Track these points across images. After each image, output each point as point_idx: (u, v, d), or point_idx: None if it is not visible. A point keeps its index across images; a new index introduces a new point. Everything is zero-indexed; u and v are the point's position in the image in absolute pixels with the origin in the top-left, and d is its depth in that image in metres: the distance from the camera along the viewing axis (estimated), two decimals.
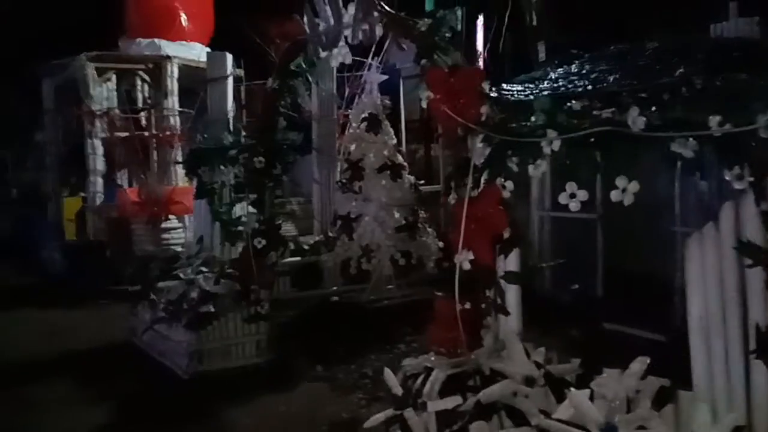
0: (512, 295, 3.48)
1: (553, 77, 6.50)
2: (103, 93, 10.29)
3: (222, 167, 6.69)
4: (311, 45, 5.02)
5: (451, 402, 2.96)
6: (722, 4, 6.43)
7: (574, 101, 3.16)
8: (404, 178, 7.33)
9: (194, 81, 11.21)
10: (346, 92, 9.72)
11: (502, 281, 3.50)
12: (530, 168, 3.42)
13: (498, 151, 3.47)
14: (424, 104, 3.86)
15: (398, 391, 3.24)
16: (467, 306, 3.55)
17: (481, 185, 3.58)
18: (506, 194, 3.47)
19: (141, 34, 11.06)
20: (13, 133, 17.13)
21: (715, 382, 2.54)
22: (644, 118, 2.73)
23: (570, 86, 5.98)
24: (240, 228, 6.83)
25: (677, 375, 3.77)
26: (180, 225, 10.01)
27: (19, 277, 10.47)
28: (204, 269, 6.18)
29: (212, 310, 5.61)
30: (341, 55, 4.67)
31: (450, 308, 3.55)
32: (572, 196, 3.13)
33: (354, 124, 7.42)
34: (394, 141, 7.47)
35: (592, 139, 2.98)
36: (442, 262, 7.53)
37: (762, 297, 2.35)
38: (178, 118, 10.52)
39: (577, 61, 6.65)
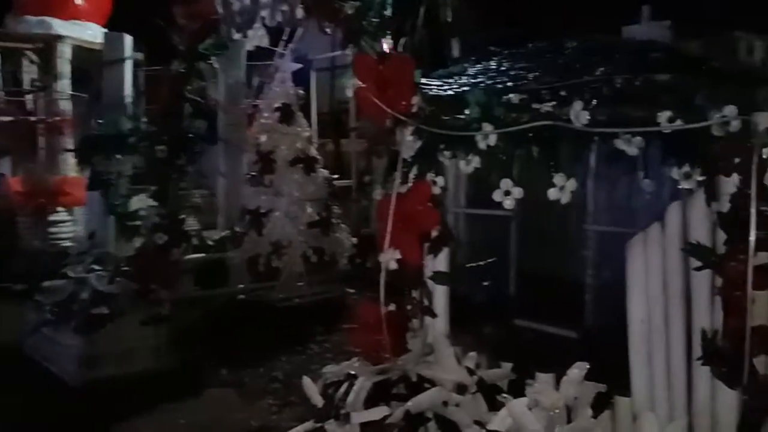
0: (440, 296, 3.30)
1: (471, 73, 6.41)
2: None
3: (119, 156, 6.15)
4: (224, 26, 4.65)
5: (377, 413, 2.73)
6: (634, 7, 6.56)
7: (511, 95, 3.02)
8: (317, 172, 7.06)
9: (89, 63, 10.42)
10: (254, 81, 9.33)
11: (429, 282, 3.31)
12: (461, 163, 3.26)
13: (429, 145, 3.28)
14: (349, 93, 3.61)
15: (318, 401, 2.98)
16: (392, 308, 3.33)
17: (410, 181, 3.37)
18: (437, 190, 3.29)
19: (30, 11, 10.11)
20: None
21: (656, 389, 2.45)
22: (587, 113, 2.61)
23: (489, 82, 5.91)
24: (137, 222, 6.35)
25: (591, 371, 3.74)
26: (69, 218, 9.25)
27: None
28: (96, 267, 5.64)
29: (106, 311, 5.12)
30: (257, 37, 4.34)
31: (374, 311, 3.32)
32: (507, 193, 2.99)
33: (265, 114, 7.07)
34: (308, 133, 7.18)
35: (531, 134, 2.84)
36: (355, 260, 7.37)
37: (708, 301, 2.28)
38: (69, 103, 9.71)
39: (495, 58, 6.60)
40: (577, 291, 5.90)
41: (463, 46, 9.47)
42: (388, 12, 3.58)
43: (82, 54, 10.09)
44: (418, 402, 2.67)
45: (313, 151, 7.12)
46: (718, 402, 2.23)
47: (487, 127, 2.99)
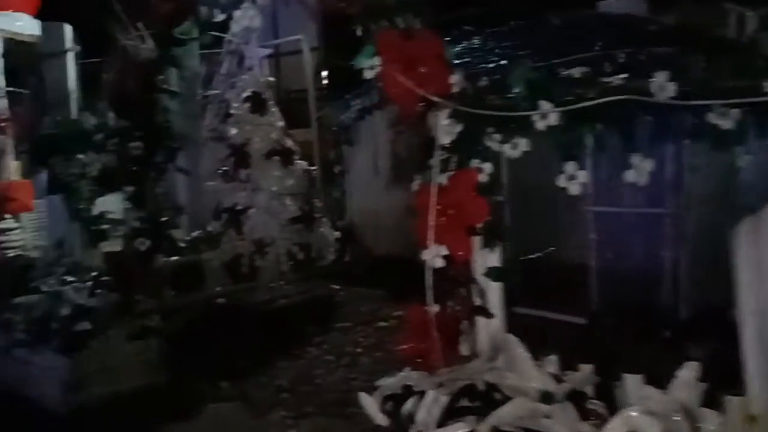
0: (494, 294, 3.02)
1: (455, 53, 6.14)
2: None
3: (82, 155, 5.61)
4: (204, 6, 4.20)
5: (456, 430, 2.45)
6: None
7: (570, 69, 2.75)
8: (295, 164, 6.67)
9: (21, 57, 9.59)
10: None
11: (481, 279, 3.03)
12: (507, 147, 2.98)
13: (472, 129, 2.98)
14: (369, 74, 3.26)
15: (382, 419, 2.67)
16: (440, 310, 3.04)
17: (450, 169, 3.06)
18: (483, 178, 3.00)
19: None
20: None
21: None
22: (674, 85, 2.37)
23: (480, 62, 5.65)
24: (105, 227, 5.86)
25: (602, 357, 3.55)
26: (17, 225, 8.51)
27: None
28: (70, 278, 5.12)
29: (88, 327, 4.63)
30: (247, 18, 3.91)
31: (421, 314, 3.01)
32: (572, 177, 2.73)
33: (235, 105, 6.61)
34: (282, 123, 6.76)
35: (601, 112, 2.59)
36: (340, 254, 7.03)
37: None
38: (4, 101, 8.89)
39: (477, 38, 6.33)
40: (581, 276, 5.76)
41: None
42: None
43: (13, 47, 9.26)
44: (502, 415, 2.39)
45: (289, 142, 6.72)
46: None
47: (546, 105, 2.71)
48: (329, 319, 6.38)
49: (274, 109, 6.70)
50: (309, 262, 6.58)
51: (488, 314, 2.99)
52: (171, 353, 5.05)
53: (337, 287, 7.37)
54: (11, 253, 8.27)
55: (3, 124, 8.25)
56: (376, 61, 3.24)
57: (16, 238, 8.53)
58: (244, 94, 6.55)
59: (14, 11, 9.66)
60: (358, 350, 5.48)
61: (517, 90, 2.89)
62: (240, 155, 6.44)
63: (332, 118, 9.56)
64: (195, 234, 7.11)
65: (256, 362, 5.18)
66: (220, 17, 4.13)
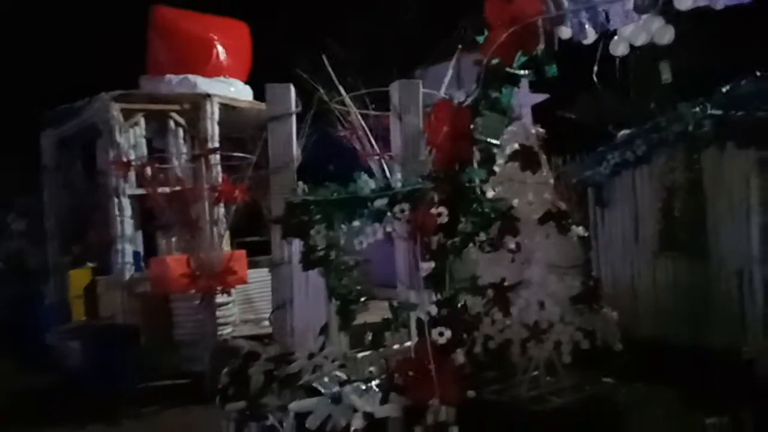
0: None
1: None
2: (130, 140, 8.29)
3: (343, 225, 4.78)
4: (566, 25, 3.17)
5: None
6: None
7: None
8: (571, 230, 5.47)
9: (234, 124, 9.35)
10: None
11: None
12: None
13: None
14: None
15: None
16: None
17: None
18: None
19: (170, 69, 9.18)
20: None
21: None
22: None
23: None
24: (353, 307, 4.98)
25: None
26: (230, 299, 7.97)
27: (23, 375, 8.18)
28: (341, 374, 4.17)
29: None
30: (648, 31, 2.80)
31: None
32: None
33: (499, 161, 5.56)
34: (552, 181, 5.61)
35: None
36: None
37: None
38: (219, 168, 8.56)
39: None
40: None
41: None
42: None
43: (228, 113, 9.02)
44: None
45: (563, 204, 5.54)
46: None
47: None
48: (625, 429, 5.02)
49: (546, 165, 5.57)
50: (596, 353, 5.26)
51: None
52: None
53: (610, 380, 6.00)
54: (226, 330, 7.72)
55: (234, 192, 7.81)
56: None
57: (228, 314, 8.00)
58: (510, 149, 5.48)
59: (229, 77, 9.53)
60: None
61: None
62: (507, 219, 5.32)
63: (573, 174, 8.37)
64: None
65: None
66: (588, 38, 3.06)
